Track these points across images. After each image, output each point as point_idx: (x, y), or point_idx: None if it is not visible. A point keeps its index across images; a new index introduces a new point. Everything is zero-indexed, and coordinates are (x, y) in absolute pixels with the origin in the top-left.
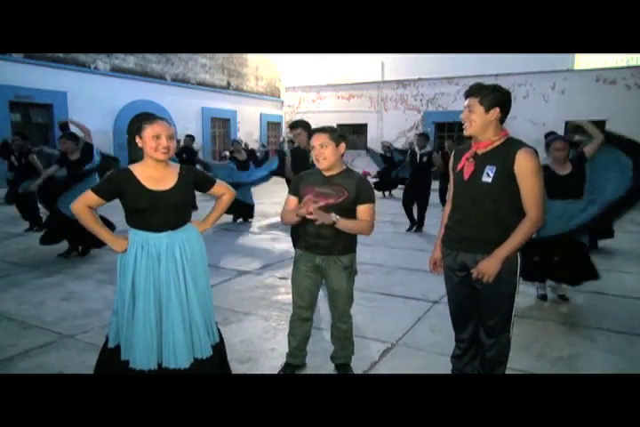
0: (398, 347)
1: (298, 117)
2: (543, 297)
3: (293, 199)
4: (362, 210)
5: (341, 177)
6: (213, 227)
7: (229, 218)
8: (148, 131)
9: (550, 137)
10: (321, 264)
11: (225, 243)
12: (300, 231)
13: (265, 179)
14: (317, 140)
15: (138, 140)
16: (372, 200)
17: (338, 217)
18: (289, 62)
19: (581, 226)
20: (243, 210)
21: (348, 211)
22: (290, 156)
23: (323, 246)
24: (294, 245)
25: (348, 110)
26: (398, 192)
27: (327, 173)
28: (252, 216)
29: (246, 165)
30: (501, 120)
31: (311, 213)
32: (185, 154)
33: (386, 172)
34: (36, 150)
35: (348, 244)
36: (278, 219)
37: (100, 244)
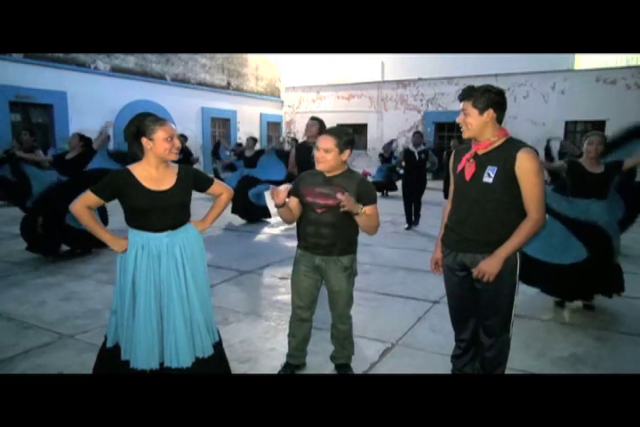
0: (398, 347)
1: (298, 117)
2: (560, 304)
3: (294, 199)
4: (367, 211)
5: (342, 178)
6: (214, 227)
7: (230, 218)
8: (160, 133)
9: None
10: (321, 265)
11: (225, 243)
12: (300, 231)
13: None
14: (323, 144)
15: (146, 141)
16: (375, 201)
17: (363, 208)
18: (289, 62)
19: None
20: (257, 211)
21: (347, 212)
22: (295, 150)
23: (322, 246)
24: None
25: (347, 110)
26: (397, 192)
27: (328, 174)
28: (269, 215)
29: (253, 162)
30: (499, 120)
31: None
32: (182, 155)
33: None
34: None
35: (347, 244)
36: (279, 219)
37: (99, 244)
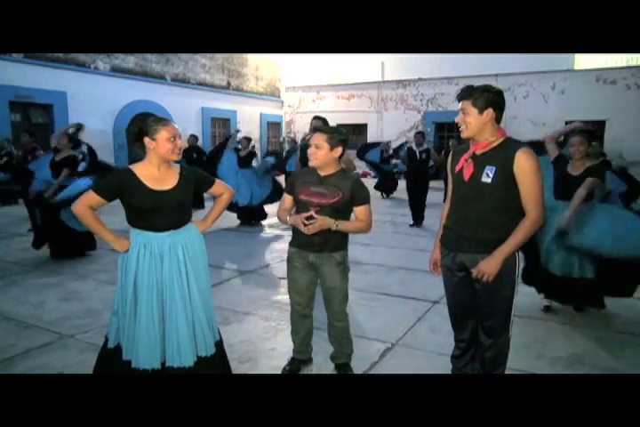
0: (398, 347)
1: (298, 117)
2: (547, 308)
3: (289, 198)
4: (359, 211)
5: (336, 177)
6: (213, 227)
7: (232, 218)
8: (164, 133)
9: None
10: (315, 261)
11: (225, 243)
12: (294, 230)
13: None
14: (314, 140)
15: (148, 141)
16: (367, 201)
17: (337, 224)
18: (289, 62)
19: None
20: (255, 213)
21: (342, 211)
22: (299, 151)
23: (315, 244)
24: None
25: (347, 110)
26: (398, 193)
27: (322, 173)
28: (263, 218)
29: (246, 161)
30: (497, 119)
31: (309, 227)
32: (195, 154)
33: (382, 177)
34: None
35: (339, 241)
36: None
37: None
